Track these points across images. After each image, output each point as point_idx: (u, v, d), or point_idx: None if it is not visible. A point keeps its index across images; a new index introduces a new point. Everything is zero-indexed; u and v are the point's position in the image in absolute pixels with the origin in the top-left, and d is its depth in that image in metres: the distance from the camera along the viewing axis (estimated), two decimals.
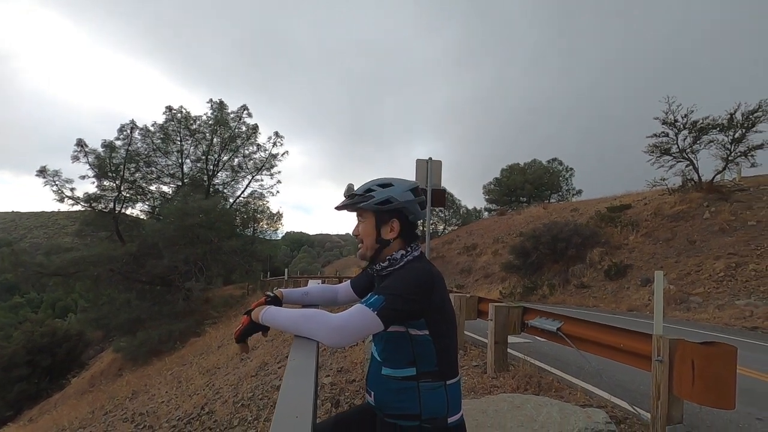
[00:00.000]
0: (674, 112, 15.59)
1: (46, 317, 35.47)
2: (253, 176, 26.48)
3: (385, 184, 1.37)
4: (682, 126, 15.67)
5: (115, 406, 8.86)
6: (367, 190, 1.36)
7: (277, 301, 1.47)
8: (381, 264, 1.37)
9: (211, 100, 25.66)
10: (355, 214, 1.41)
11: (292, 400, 0.74)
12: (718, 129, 15.15)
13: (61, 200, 20.57)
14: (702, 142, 15.63)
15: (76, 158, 20.85)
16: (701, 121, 15.40)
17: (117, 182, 21.81)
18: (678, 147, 16.06)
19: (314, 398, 0.79)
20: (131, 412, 7.29)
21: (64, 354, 22.41)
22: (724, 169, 15.74)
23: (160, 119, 24.59)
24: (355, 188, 1.41)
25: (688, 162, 16.21)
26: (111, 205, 21.93)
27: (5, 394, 20.24)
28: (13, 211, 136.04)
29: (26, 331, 23.34)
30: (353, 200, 1.37)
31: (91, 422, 8.22)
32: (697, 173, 16.32)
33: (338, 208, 1.42)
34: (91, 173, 21.17)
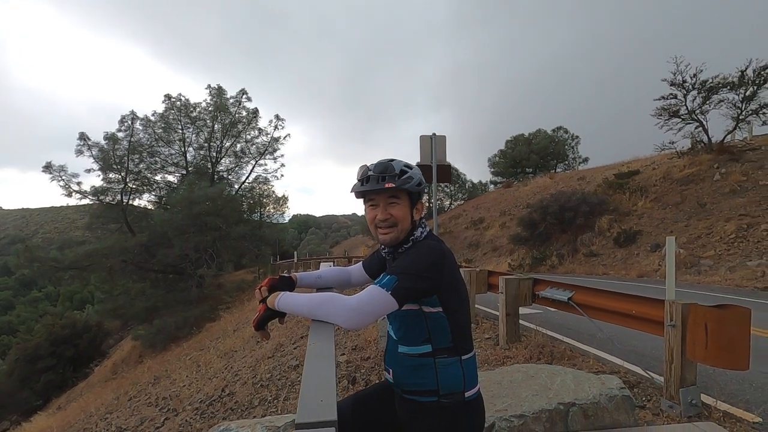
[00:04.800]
0: (682, 72, 15.16)
1: (65, 310, 36.38)
2: (256, 161, 26.45)
3: (409, 165, 1.34)
4: (690, 86, 15.25)
5: (139, 392, 9.15)
6: (402, 171, 1.29)
7: (290, 282, 1.48)
8: (404, 246, 1.35)
9: (209, 86, 25.43)
10: (380, 197, 1.31)
11: (315, 384, 0.75)
12: (728, 87, 14.72)
13: (69, 195, 20.79)
14: (712, 102, 15.22)
15: (80, 152, 20.91)
16: (711, 80, 14.97)
17: (122, 174, 21.89)
18: (687, 108, 15.67)
19: (336, 380, 0.81)
20: (155, 397, 7.53)
21: (86, 344, 23.03)
22: (734, 128, 15.37)
23: (160, 108, 24.49)
24: (371, 170, 1.30)
25: (698, 123, 15.85)
26: (118, 197, 22.09)
27: (33, 384, 20.97)
28: (23, 208, 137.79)
29: (47, 324, 23.95)
30: (398, 182, 1.27)
31: (116, 408, 8.51)
32: (707, 134, 15.97)
33: (375, 191, 1.28)
34: (96, 166, 21.29)
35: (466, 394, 1.28)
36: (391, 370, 1.38)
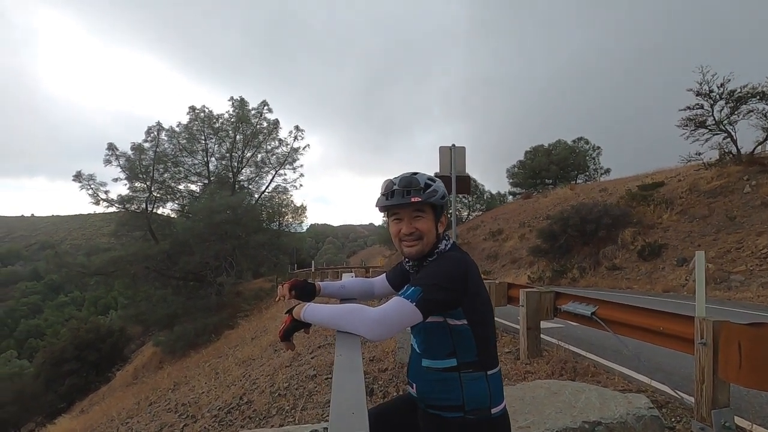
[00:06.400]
0: (709, 82, 14.79)
1: (89, 314, 37.47)
2: (276, 171, 26.88)
3: (433, 179, 1.34)
4: (718, 96, 14.86)
5: (159, 397, 9.29)
6: (426, 185, 1.30)
7: (313, 288, 1.50)
8: (429, 259, 1.35)
9: (232, 98, 26.06)
10: (405, 211, 1.32)
11: (346, 397, 0.76)
12: (758, 97, 14.29)
13: (97, 203, 21.47)
14: (740, 112, 14.78)
15: (108, 162, 21.64)
16: (739, 90, 14.55)
17: (147, 183, 22.52)
18: (714, 119, 15.25)
19: (365, 393, 0.81)
20: (174, 403, 7.63)
21: (109, 349, 23.59)
22: (765, 139, 14.87)
23: (181, 117, 25.23)
24: (396, 184, 1.31)
25: (726, 134, 15.39)
26: (143, 205, 22.70)
27: (57, 387, 21.54)
28: (53, 215, 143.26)
29: (73, 328, 24.69)
30: (423, 195, 1.28)
31: (137, 413, 8.65)
32: (736, 145, 15.48)
33: (400, 205, 1.29)
34: (122, 175, 21.98)
35: (493, 411, 1.26)
36: (414, 385, 1.37)
